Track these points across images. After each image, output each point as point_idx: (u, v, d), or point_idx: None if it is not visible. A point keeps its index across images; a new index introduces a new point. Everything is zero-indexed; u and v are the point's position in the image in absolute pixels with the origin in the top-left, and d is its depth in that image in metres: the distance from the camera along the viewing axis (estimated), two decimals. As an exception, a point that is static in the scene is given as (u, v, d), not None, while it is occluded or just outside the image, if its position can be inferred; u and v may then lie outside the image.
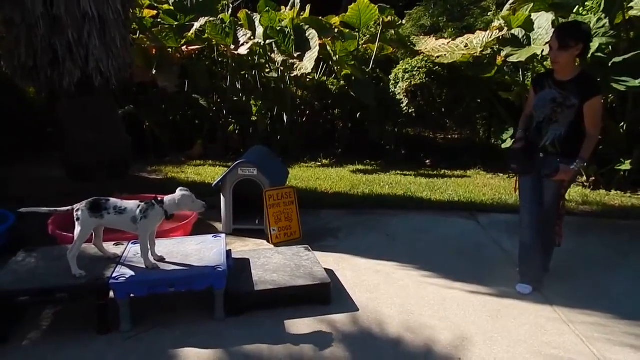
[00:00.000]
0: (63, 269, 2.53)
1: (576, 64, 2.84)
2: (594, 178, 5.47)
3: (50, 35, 4.44)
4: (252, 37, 6.72)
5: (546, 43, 5.15)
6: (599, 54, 5.04)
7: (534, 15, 5.55)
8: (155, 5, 7.13)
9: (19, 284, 2.43)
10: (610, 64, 4.89)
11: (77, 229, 2.50)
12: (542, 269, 3.05)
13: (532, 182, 2.88)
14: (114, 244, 2.87)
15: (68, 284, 2.43)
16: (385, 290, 3.00)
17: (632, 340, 2.50)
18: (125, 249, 2.83)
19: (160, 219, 2.62)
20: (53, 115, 5.68)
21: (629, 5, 4.82)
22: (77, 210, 2.50)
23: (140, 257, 2.63)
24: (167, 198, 2.64)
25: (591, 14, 5.28)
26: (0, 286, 2.40)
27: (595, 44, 4.84)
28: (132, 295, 2.50)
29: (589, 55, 4.86)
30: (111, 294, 2.48)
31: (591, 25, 5.00)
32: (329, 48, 7.10)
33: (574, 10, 5.28)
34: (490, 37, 5.94)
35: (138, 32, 6.87)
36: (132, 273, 2.52)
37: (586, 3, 5.36)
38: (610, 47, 5.16)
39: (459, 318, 2.69)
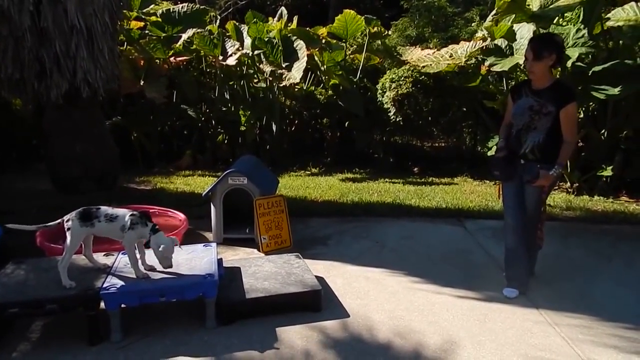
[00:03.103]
0: (53, 281, 2.52)
1: (553, 73, 2.94)
2: (577, 184, 5.60)
3: (37, 48, 4.44)
4: (240, 48, 6.79)
5: (526, 53, 5.30)
6: (579, 64, 5.20)
7: (515, 26, 5.70)
8: (143, 17, 7.16)
9: (8, 295, 2.41)
10: (590, 73, 5.03)
11: (68, 239, 2.50)
12: (527, 272, 3.12)
13: (514, 188, 2.97)
14: (103, 255, 2.86)
15: (58, 295, 2.41)
16: (375, 296, 3.04)
17: (616, 342, 2.56)
18: (116, 259, 2.82)
19: (141, 239, 2.60)
20: (39, 127, 5.65)
21: (606, 17, 4.99)
22: (68, 220, 2.50)
23: (130, 267, 2.63)
24: (159, 235, 2.58)
25: (570, 24, 5.46)
26: (-11, 298, 2.38)
27: (575, 54, 5.00)
28: (123, 305, 2.49)
29: (569, 65, 5.03)
30: (102, 304, 2.47)
31: (570, 35, 5.17)
32: (316, 58, 7.19)
33: (554, 21, 5.45)
34: (474, 47, 6.09)
35: (126, 43, 6.88)
36: (123, 283, 2.52)
37: (565, 14, 5.54)
38: (589, 56, 5.32)
39: (447, 322, 2.74)
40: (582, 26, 5.18)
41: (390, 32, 9.45)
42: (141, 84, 6.62)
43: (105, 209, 2.59)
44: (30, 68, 4.47)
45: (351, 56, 7.78)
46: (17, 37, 4.37)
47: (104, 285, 2.49)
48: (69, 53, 4.51)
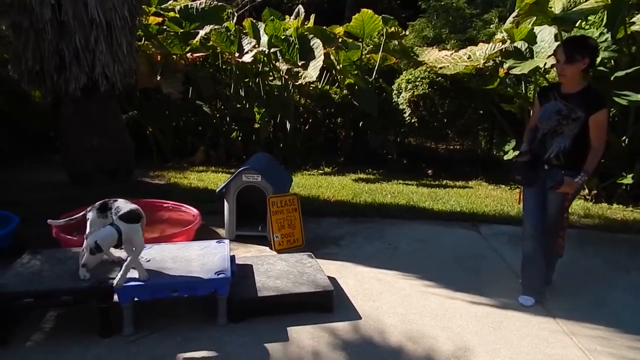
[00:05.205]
0: (67, 272, 2.54)
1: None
2: (595, 191, 5.48)
3: (57, 41, 4.48)
4: (256, 46, 6.78)
5: (549, 56, 5.20)
6: (601, 68, 5.09)
7: (536, 29, 5.60)
8: (161, 12, 7.19)
9: (23, 286, 2.43)
10: (612, 78, 4.93)
11: (87, 230, 2.53)
12: (544, 281, 3.05)
13: (536, 194, 2.90)
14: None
15: (72, 286, 2.43)
16: (387, 299, 3.00)
17: (635, 354, 2.50)
18: (129, 253, 2.82)
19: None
20: (57, 120, 5.71)
21: (630, 21, 4.88)
22: (89, 211, 2.55)
23: (145, 260, 2.65)
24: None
25: (593, 28, 5.35)
26: (5, 288, 2.40)
27: (597, 58, 4.89)
28: (135, 299, 2.50)
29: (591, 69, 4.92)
30: (115, 297, 2.48)
31: (593, 39, 5.06)
32: (332, 57, 7.16)
33: (577, 25, 5.34)
34: (493, 49, 5.99)
35: (144, 38, 6.92)
36: (136, 277, 2.52)
37: (589, 17, 5.43)
38: (612, 61, 5.21)
39: (461, 328, 2.69)
40: (605, 30, 5.07)
41: (407, 33, 9.37)
42: (158, 79, 6.65)
43: (121, 201, 2.59)
44: (50, 60, 4.52)
45: (367, 56, 7.73)
46: (38, 29, 4.42)
47: (118, 278, 2.49)
48: (88, 46, 4.54)
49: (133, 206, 2.55)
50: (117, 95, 5.35)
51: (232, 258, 2.91)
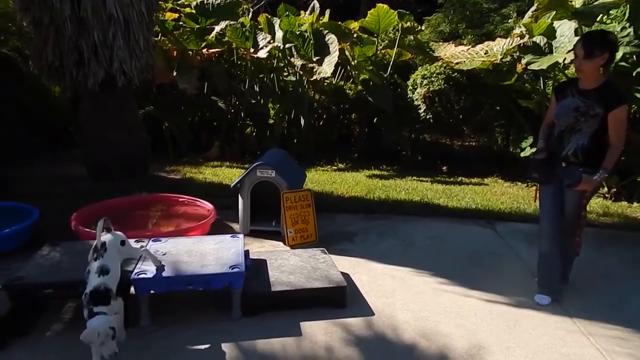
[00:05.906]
0: (86, 264, 2.58)
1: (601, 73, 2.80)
2: (615, 189, 5.38)
3: (76, 37, 4.55)
4: (271, 41, 6.79)
5: (569, 51, 5.10)
6: (623, 64, 4.96)
7: (556, 23, 5.49)
8: (178, 8, 7.25)
9: (43, 277, 2.49)
10: (634, 74, 4.81)
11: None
12: (561, 280, 3.01)
13: (553, 192, 2.85)
14: (134, 241, 2.91)
15: (90, 278, 2.47)
16: (401, 295, 2.99)
17: (655, 356, 2.45)
18: (146, 245, 2.87)
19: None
20: (76, 115, 5.80)
21: (654, 15, 4.75)
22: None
23: (161, 254, 2.68)
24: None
25: (615, 22, 5.21)
26: (26, 279, 2.47)
27: (619, 54, 4.77)
28: (152, 291, 2.53)
29: (612, 65, 4.80)
30: (132, 289, 2.52)
31: (615, 34, 4.93)
32: (347, 53, 7.13)
33: (598, 19, 5.22)
34: (511, 44, 5.89)
35: (160, 34, 6.99)
36: (153, 269, 2.56)
37: (610, 12, 5.29)
38: (634, 56, 5.07)
39: (475, 326, 2.67)
40: (627, 24, 4.94)
41: (423, 28, 9.27)
42: (174, 74, 6.71)
43: (96, 266, 2.32)
44: (69, 56, 4.60)
45: (382, 51, 7.67)
46: (58, 25, 4.50)
47: (135, 271, 2.53)
48: (106, 42, 4.61)
49: (100, 281, 2.23)
50: (134, 91, 5.42)
51: (246, 253, 2.93)
